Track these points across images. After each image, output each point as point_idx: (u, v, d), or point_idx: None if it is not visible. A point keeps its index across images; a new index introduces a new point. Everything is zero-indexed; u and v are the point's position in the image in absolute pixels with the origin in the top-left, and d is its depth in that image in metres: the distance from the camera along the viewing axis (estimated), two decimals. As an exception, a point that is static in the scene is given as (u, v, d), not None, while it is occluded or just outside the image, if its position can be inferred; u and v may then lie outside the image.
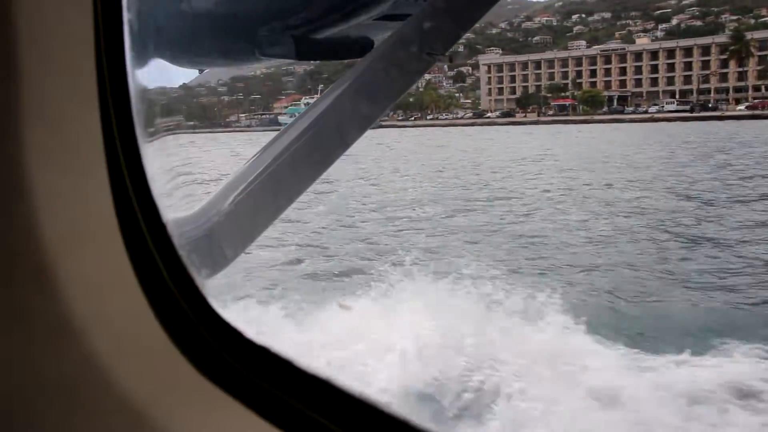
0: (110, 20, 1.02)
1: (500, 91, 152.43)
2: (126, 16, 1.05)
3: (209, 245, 4.38)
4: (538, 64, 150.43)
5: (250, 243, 4.86)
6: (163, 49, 5.17)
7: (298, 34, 5.16)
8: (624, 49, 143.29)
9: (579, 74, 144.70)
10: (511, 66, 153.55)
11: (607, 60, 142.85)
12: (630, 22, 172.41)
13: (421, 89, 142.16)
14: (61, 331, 0.99)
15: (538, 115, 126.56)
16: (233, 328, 1.15)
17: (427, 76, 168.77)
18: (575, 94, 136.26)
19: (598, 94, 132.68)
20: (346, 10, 4.93)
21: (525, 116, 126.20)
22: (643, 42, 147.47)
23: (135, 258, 1.06)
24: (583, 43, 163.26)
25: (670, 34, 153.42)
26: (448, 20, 4.37)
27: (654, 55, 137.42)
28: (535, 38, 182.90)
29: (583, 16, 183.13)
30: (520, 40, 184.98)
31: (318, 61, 6.31)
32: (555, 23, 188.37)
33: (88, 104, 1.01)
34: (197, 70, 6.04)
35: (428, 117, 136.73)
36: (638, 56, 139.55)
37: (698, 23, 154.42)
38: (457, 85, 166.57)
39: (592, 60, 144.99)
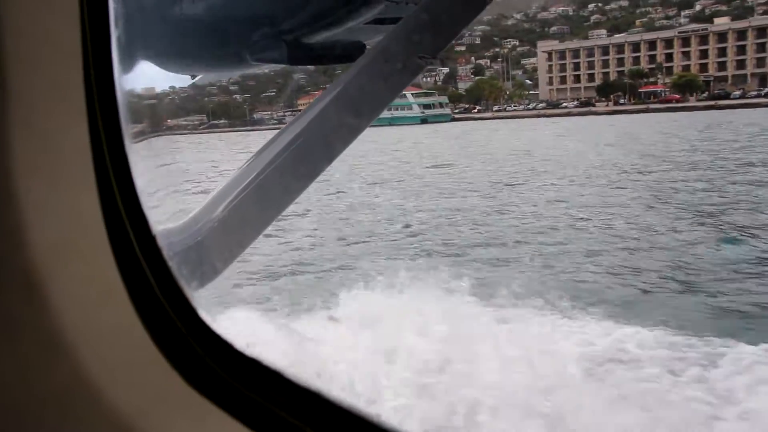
0: (98, 32, 1.02)
1: (563, 79, 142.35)
2: (113, 27, 1.05)
3: (198, 256, 4.35)
4: (605, 50, 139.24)
5: (239, 254, 4.82)
6: (155, 55, 5.15)
7: (290, 39, 5.08)
8: (706, 29, 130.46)
9: (652, 58, 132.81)
10: (575, 53, 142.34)
11: (686, 42, 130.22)
12: (650, 9, 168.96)
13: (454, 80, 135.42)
14: (50, 344, 0.98)
15: (615, 104, 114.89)
16: (223, 339, 1.15)
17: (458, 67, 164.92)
18: (663, 79, 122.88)
19: (695, 78, 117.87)
20: (338, 15, 4.84)
21: (607, 105, 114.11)
22: (723, 21, 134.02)
23: (124, 270, 1.05)
24: (604, 32, 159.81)
25: (696, 20, 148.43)
26: (431, 32, 4.27)
27: (741, 35, 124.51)
28: (553, 28, 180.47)
29: (600, 5, 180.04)
30: (537, 30, 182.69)
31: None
32: (571, 13, 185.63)
33: (76, 115, 1.00)
34: (189, 76, 6.01)
35: (494, 108, 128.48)
36: (722, 37, 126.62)
37: (724, 8, 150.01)
38: (476, 78, 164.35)
39: (668, 43, 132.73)
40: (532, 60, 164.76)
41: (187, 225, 4.53)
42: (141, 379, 1.06)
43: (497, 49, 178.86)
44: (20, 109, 0.95)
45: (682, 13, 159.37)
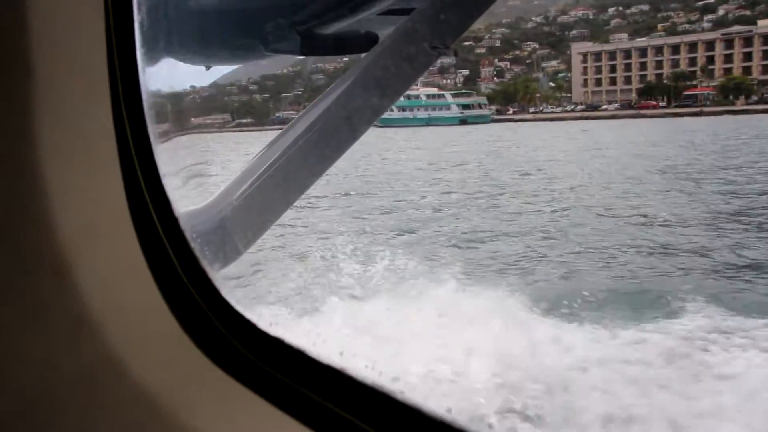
0: (122, 20, 1.04)
1: (598, 81, 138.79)
2: (137, 16, 1.06)
3: (221, 237, 4.37)
4: (643, 52, 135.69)
5: (261, 234, 4.85)
6: (172, 46, 5.19)
7: (304, 29, 5.09)
8: (751, 31, 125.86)
9: (693, 61, 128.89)
10: (611, 54, 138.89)
11: (729, 44, 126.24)
12: (672, 14, 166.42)
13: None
14: (78, 326, 1.00)
15: (656, 107, 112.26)
16: (246, 319, 1.16)
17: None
18: (706, 81, 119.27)
19: (744, 80, 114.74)
20: (351, 6, 4.84)
21: (651, 108, 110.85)
22: (766, 23, 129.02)
23: (148, 252, 1.07)
24: (625, 35, 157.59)
25: (719, 24, 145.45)
26: (452, 14, 4.27)
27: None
28: (573, 32, 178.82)
29: (620, 8, 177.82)
30: (557, 33, 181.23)
31: (325, 56, 6.28)
32: (591, 16, 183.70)
33: (101, 102, 1.02)
34: (205, 67, 6.05)
35: (531, 110, 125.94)
36: (766, 39, 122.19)
37: (748, 13, 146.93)
38: (497, 80, 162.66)
39: (709, 45, 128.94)
40: (553, 63, 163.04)
41: (209, 206, 4.55)
42: (166, 358, 1.08)
43: (517, 52, 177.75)
44: (46, 95, 0.96)
45: (705, 18, 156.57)
